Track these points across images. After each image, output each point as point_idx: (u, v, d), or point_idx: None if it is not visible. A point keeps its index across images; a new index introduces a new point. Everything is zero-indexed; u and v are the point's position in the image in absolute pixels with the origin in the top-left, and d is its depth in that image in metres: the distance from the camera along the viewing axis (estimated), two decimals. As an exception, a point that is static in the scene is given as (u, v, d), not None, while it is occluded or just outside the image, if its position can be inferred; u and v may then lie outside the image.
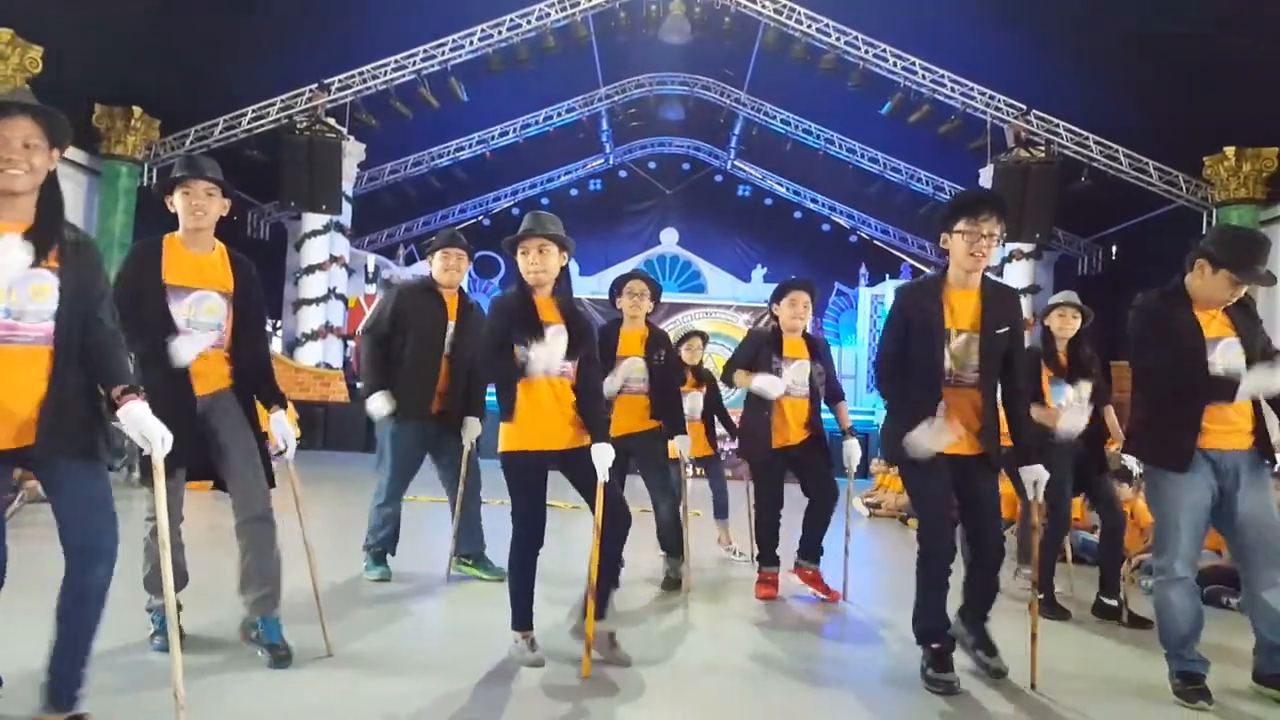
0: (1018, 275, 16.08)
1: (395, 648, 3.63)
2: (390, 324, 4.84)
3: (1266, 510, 3.34)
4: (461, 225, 20.91)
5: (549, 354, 3.36)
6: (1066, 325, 4.99)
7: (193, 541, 3.54)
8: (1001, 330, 3.47)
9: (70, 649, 2.45)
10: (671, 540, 5.10)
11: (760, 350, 5.02)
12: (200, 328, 3.27)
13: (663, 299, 5.26)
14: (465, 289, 5.10)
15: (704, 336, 6.64)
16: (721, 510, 6.34)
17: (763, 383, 4.87)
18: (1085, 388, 4.90)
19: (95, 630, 2.48)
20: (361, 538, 4.95)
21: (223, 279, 3.36)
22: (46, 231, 2.44)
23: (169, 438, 2.50)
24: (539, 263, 3.45)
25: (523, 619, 3.43)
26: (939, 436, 3.33)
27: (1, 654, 2.83)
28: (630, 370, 4.99)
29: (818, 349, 5.11)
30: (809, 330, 5.19)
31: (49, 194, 2.48)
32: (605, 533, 3.38)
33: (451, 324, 4.85)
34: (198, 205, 3.30)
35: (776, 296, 5.10)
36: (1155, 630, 3.52)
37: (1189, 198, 13.76)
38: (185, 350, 3.18)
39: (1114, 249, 16.61)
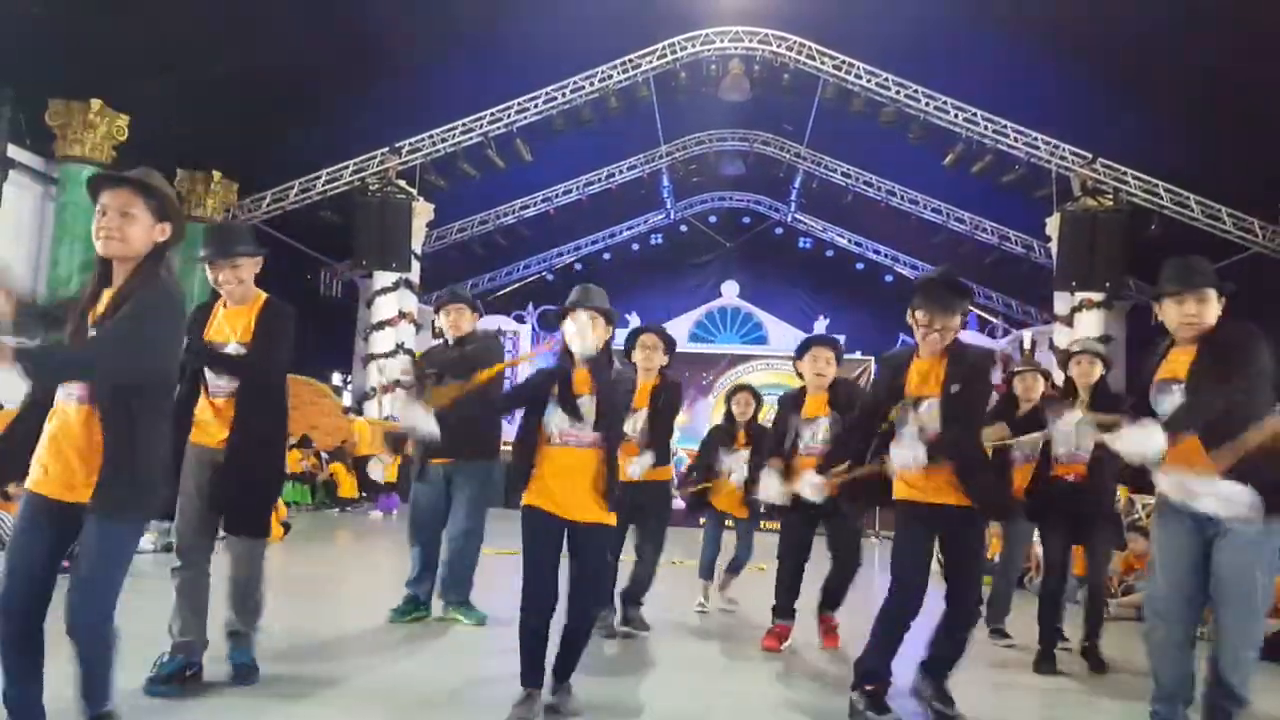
0: (1089, 325, 15.36)
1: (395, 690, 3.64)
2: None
3: None
4: (526, 280, 21.37)
5: (570, 423, 3.36)
6: (1089, 372, 4.82)
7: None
8: (955, 389, 3.47)
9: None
10: (637, 591, 5.08)
11: (786, 415, 4.96)
12: (217, 378, 3.39)
13: (725, 350, 5.27)
14: (530, 343, 5.18)
15: (754, 392, 6.26)
16: (735, 567, 6.21)
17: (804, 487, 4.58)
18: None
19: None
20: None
21: (244, 332, 3.41)
22: (127, 290, 2.40)
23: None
24: (584, 332, 3.35)
25: (525, 675, 3.32)
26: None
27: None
28: (640, 420, 4.87)
29: (840, 400, 4.83)
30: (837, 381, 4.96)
31: (148, 264, 2.43)
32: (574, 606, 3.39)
33: None
34: (224, 280, 3.44)
35: (799, 354, 5.01)
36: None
37: (1266, 244, 13.38)
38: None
39: (1189, 297, 16.10)
